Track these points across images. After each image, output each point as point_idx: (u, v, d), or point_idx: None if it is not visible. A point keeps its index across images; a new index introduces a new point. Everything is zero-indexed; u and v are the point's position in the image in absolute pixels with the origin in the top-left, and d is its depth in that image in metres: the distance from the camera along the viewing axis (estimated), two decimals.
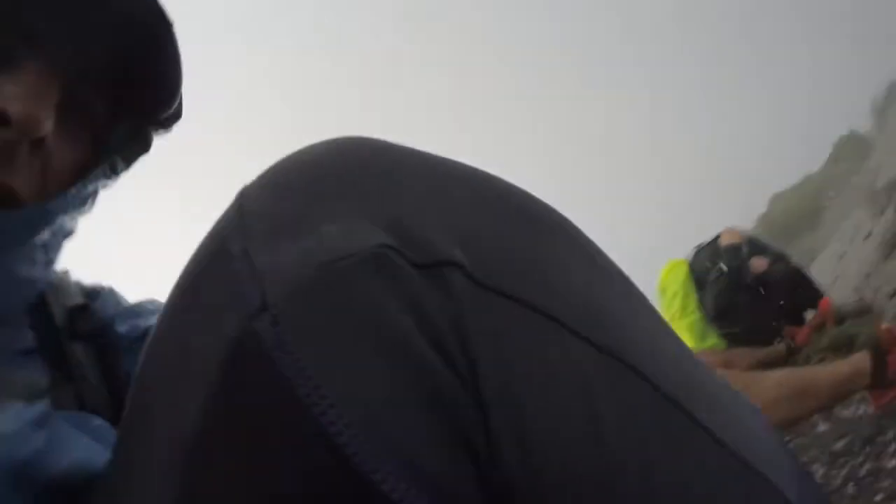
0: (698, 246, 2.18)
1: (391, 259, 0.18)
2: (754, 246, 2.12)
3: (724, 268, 2.03)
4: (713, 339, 2.01)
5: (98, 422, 0.28)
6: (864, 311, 1.94)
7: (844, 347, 1.64)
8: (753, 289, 2.02)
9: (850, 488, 1.15)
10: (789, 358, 1.80)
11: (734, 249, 2.08)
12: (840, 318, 1.90)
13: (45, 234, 0.26)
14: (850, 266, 3.30)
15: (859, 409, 1.37)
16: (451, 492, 0.17)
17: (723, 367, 1.62)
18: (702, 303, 2.03)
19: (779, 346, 1.85)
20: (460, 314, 0.18)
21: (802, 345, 1.83)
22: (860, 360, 1.09)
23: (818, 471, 1.26)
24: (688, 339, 1.97)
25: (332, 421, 0.16)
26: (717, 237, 2.14)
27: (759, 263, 2.04)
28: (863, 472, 1.17)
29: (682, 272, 2.11)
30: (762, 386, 1.07)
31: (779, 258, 2.12)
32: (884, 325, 1.42)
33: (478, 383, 0.18)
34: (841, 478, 1.22)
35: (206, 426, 0.18)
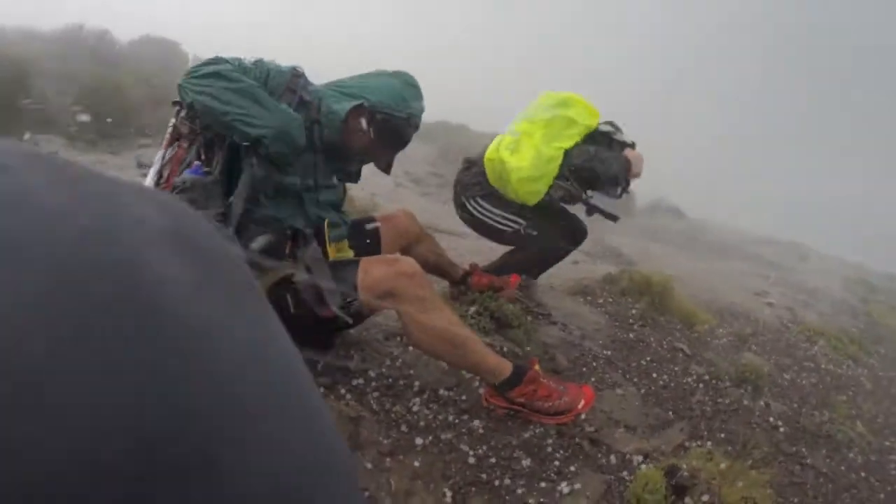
0: (613, 123, 2.24)
1: None
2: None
3: (606, 156, 2.10)
4: (546, 181, 2.11)
5: None
6: None
7: None
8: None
9: None
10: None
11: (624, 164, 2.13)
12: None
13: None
14: None
15: None
16: None
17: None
18: (571, 152, 2.12)
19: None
20: None
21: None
22: None
23: None
24: (534, 149, 2.09)
25: None
26: (629, 147, 2.18)
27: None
28: None
29: (595, 118, 2.17)
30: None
31: None
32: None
33: None
34: None
35: None
